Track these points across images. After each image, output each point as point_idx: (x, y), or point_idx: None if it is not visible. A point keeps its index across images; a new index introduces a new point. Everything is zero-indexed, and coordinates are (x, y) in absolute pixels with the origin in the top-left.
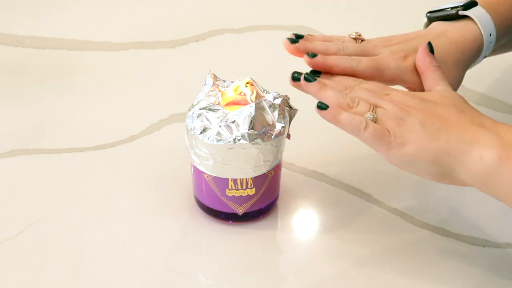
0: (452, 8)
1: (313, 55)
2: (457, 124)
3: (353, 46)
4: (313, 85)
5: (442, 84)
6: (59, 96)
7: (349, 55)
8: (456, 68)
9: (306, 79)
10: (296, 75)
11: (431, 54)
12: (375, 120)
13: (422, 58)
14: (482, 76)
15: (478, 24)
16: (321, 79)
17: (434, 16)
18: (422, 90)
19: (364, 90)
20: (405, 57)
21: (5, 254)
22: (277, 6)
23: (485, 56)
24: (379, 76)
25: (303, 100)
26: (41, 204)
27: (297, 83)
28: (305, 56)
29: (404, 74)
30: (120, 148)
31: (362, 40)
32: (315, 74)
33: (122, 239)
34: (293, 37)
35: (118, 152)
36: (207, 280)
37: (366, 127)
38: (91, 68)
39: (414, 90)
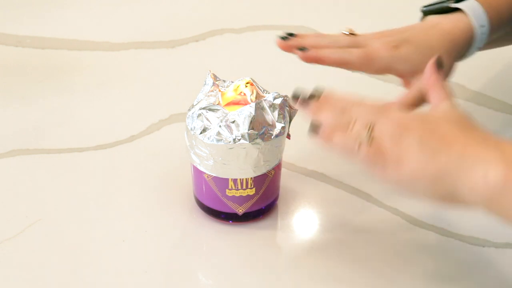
0: (445, 1)
1: (305, 49)
2: (458, 142)
3: (345, 39)
4: (311, 106)
5: (447, 101)
6: (59, 96)
7: (341, 47)
8: (448, 58)
9: (304, 100)
10: (297, 91)
11: (440, 70)
12: (371, 140)
13: (429, 74)
14: (482, 75)
15: (470, 16)
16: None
17: (428, 10)
18: (414, 78)
19: (361, 108)
20: (396, 47)
21: (5, 254)
22: (277, 6)
23: (479, 48)
24: (371, 65)
25: None
26: (41, 204)
27: (296, 99)
28: (297, 51)
29: (395, 62)
30: (120, 148)
31: (355, 35)
32: (315, 93)
33: (122, 239)
34: (285, 35)
35: (118, 152)
36: (207, 280)
37: (360, 148)
38: (91, 68)
39: (406, 79)
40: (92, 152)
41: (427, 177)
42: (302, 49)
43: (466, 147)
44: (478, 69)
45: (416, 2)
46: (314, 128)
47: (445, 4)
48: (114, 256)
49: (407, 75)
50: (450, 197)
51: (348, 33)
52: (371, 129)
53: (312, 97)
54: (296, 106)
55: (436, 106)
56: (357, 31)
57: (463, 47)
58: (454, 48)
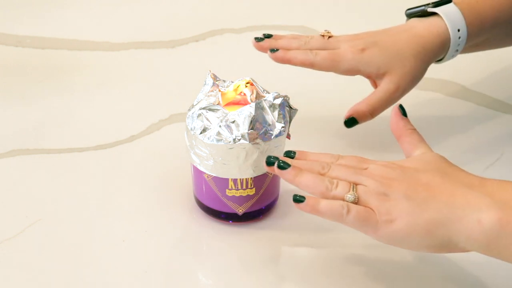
0: (425, 5)
1: (275, 50)
2: (444, 190)
3: (316, 42)
4: (288, 172)
5: (420, 147)
6: (59, 96)
7: (311, 49)
8: (415, 60)
9: (280, 167)
10: (271, 159)
11: (404, 117)
12: (356, 200)
13: (396, 122)
14: (482, 76)
15: (445, 20)
16: (296, 165)
17: (410, 13)
18: (379, 79)
19: (341, 167)
20: (362, 50)
21: (5, 254)
22: (277, 6)
23: (458, 51)
24: (337, 67)
25: (303, 100)
26: (41, 204)
27: (271, 167)
28: (268, 52)
29: (360, 65)
30: (120, 148)
31: (330, 37)
32: (289, 154)
33: (122, 239)
34: (262, 36)
35: (118, 152)
36: (207, 280)
37: (348, 211)
38: (91, 68)
39: (373, 80)
40: (92, 152)
41: (420, 230)
42: (272, 50)
43: (454, 196)
44: (478, 69)
45: (416, 2)
46: (298, 200)
47: (423, 8)
48: (114, 256)
49: (373, 76)
50: (446, 246)
51: (324, 35)
52: (355, 190)
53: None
54: (273, 173)
55: (410, 155)
56: (334, 33)
57: (436, 51)
58: (425, 51)
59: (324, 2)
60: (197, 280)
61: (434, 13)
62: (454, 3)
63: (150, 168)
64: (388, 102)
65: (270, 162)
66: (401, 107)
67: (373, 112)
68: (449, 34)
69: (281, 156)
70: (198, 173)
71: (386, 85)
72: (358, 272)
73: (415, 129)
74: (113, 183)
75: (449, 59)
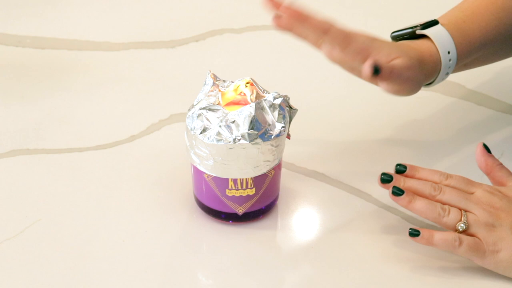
0: (412, 27)
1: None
2: None
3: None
4: (402, 199)
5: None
6: (59, 96)
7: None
8: (409, 82)
9: (394, 193)
10: (384, 177)
11: (491, 154)
12: (466, 227)
13: (484, 161)
14: (482, 76)
15: (435, 42)
16: (407, 185)
17: (396, 36)
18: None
19: (452, 191)
20: (373, 38)
21: (5, 254)
22: None
23: (448, 74)
24: (349, 44)
25: (303, 100)
26: (41, 204)
27: (385, 184)
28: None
29: (371, 47)
30: (120, 148)
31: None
32: (400, 169)
33: (122, 239)
34: (391, 174)
35: (118, 152)
36: (207, 280)
37: (460, 244)
38: (91, 68)
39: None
40: (92, 152)
41: None
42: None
43: None
44: (478, 69)
45: (418, 1)
46: (414, 234)
47: (411, 30)
48: (114, 256)
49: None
50: None
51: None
52: (466, 217)
53: (399, 172)
54: (390, 197)
55: (508, 185)
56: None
57: (429, 71)
58: (420, 63)
59: (324, 2)
60: (197, 280)
61: (422, 36)
62: (442, 24)
63: (150, 168)
64: (400, 74)
65: (384, 180)
66: (485, 145)
67: (392, 69)
68: (440, 57)
69: (391, 172)
70: (198, 173)
71: (399, 61)
72: (359, 272)
73: (502, 164)
74: (113, 183)
75: (439, 82)
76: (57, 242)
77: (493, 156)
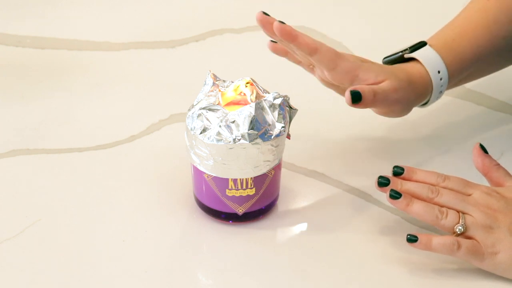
0: (401, 51)
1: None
2: None
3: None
4: (400, 202)
5: (510, 180)
6: (59, 96)
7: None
8: (397, 104)
9: (392, 196)
10: (382, 180)
11: (487, 155)
12: (464, 229)
13: (481, 161)
14: None
15: (424, 64)
16: (405, 187)
17: (387, 61)
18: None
19: (449, 193)
20: (363, 60)
21: (5, 254)
22: (277, 6)
23: (442, 92)
24: (338, 65)
25: (303, 100)
26: (41, 204)
27: (383, 188)
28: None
29: (359, 69)
30: (120, 148)
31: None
32: (398, 171)
33: (122, 239)
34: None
35: (118, 152)
36: (207, 280)
37: (458, 247)
38: (91, 68)
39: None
40: (92, 152)
41: None
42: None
43: None
44: None
45: (416, 2)
46: (412, 240)
47: (401, 54)
48: (114, 256)
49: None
50: None
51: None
52: (463, 219)
53: (396, 174)
54: (388, 200)
55: (502, 185)
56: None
57: (421, 91)
58: (410, 84)
59: (324, 2)
60: (197, 280)
61: (412, 59)
62: (430, 45)
63: (150, 168)
64: (386, 97)
65: (381, 183)
66: (481, 145)
67: (375, 94)
68: (430, 77)
69: (388, 175)
70: (198, 173)
71: (385, 84)
72: (359, 272)
73: (499, 164)
74: (113, 183)
75: (434, 101)
76: (57, 242)
77: (490, 157)
